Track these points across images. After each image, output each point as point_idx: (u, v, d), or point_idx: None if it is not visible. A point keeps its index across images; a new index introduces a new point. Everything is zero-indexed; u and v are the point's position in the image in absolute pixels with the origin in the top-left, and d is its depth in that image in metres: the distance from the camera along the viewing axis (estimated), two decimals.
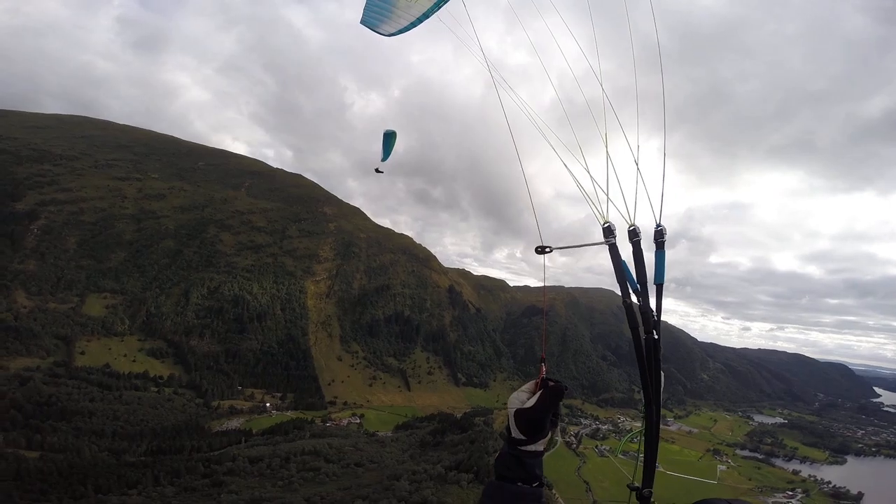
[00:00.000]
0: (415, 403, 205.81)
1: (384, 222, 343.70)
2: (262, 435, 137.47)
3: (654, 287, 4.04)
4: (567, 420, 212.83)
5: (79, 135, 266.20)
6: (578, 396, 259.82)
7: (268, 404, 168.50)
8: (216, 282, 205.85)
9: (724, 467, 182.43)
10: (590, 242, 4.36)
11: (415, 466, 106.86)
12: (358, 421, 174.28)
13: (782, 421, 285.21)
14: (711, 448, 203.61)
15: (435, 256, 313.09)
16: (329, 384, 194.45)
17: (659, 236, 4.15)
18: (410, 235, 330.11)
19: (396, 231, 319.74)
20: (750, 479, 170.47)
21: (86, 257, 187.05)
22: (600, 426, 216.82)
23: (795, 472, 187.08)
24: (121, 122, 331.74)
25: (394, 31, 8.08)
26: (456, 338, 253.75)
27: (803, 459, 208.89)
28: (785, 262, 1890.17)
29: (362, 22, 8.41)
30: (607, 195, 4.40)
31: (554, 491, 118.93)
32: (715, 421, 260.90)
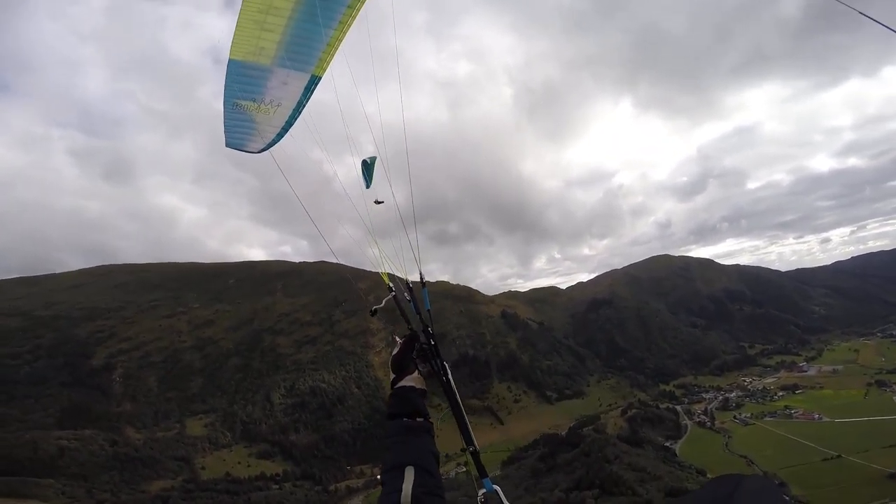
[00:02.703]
0: (512, 435, 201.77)
1: (416, 276, 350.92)
2: None
3: (426, 311, 5.78)
4: (687, 401, 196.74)
5: (111, 284, 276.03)
6: (686, 373, 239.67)
7: (378, 476, 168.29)
8: (289, 381, 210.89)
9: None
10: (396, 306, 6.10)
11: (532, 498, 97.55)
12: (463, 469, 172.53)
13: None
14: (872, 381, 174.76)
15: (477, 290, 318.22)
16: None
17: (422, 278, 6.29)
18: (446, 279, 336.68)
19: (432, 280, 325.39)
20: None
21: (169, 390, 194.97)
22: (727, 395, 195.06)
23: None
24: (141, 262, 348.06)
25: (264, 146, 7.35)
26: (529, 358, 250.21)
27: None
28: (822, 162, 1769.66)
29: (227, 145, 7.61)
30: (391, 276, 6.27)
31: (709, 476, 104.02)
32: (856, 351, 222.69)
